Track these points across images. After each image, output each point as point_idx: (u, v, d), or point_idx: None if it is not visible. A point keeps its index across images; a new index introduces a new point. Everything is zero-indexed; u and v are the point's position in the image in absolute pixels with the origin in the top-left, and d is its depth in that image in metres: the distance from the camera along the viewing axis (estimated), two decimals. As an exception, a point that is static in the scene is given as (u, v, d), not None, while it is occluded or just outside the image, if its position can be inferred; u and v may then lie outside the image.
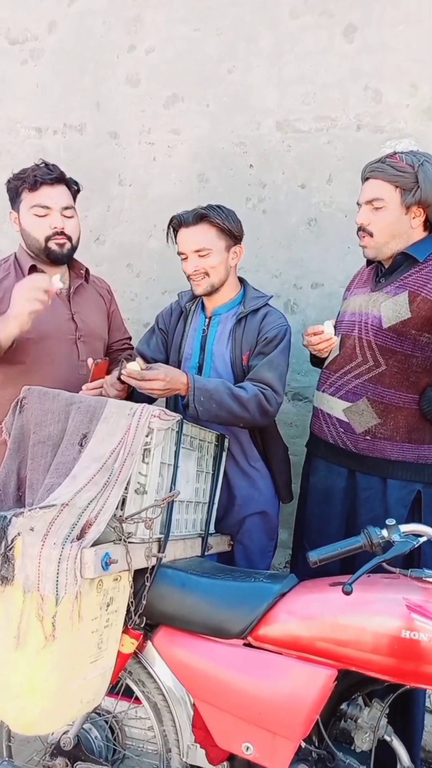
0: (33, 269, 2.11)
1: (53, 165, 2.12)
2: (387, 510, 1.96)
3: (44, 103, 2.93)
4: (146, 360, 2.14)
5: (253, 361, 2.06)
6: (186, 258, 2.08)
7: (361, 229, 2.00)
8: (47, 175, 2.06)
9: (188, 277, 2.12)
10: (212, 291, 2.12)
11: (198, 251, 2.05)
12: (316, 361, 2.22)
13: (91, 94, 2.85)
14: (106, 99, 2.83)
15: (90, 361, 2.05)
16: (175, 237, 2.10)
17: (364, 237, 2.00)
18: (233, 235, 2.08)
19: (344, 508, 2.06)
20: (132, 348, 2.43)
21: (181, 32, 2.68)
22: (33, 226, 2.07)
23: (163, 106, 2.74)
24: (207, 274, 2.08)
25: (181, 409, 2.01)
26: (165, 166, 2.76)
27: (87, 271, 2.26)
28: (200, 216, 2.03)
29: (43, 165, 2.10)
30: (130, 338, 2.45)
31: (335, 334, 2.07)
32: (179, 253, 2.10)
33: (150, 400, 2.04)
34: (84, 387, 2.01)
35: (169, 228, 2.11)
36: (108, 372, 2.05)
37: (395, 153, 1.97)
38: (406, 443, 1.98)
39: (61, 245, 2.08)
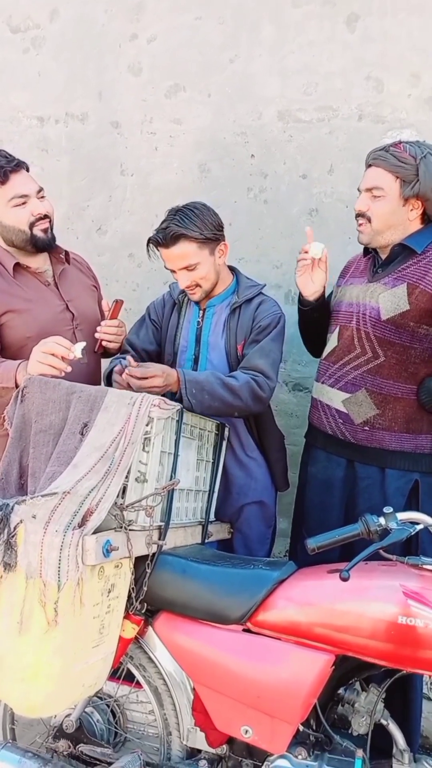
0: (17, 267, 2.08)
1: (4, 152, 2.06)
2: (385, 499, 1.98)
3: (46, 92, 2.92)
4: (137, 352, 2.19)
5: (247, 349, 2.08)
6: (175, 273, 2.07)
7: (359, 215, 2.00)
8: (8, 162, 2.02)
9: (182, 289, 2.12)
10: (209, 294, 2.13)
11: (185, 268, 2.03)
12: (313, 349, 2.23)
13: (93, 83, 2.85)
14: (108, 88, 2.83)
15: (105, 302, 2.18)
16: (158, 252, 2.07)
17: (362, 223, 2.00)
18: (214, 238, 2.03)
19: (343, 498, 2.08)
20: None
21: (183, 21, 2.67)
22: (15, 219, 2.03)
23: (164, 95, 2.74)
24: (199, 285, 2.08)
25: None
26: (167, 155, 2.76)
27: (66, 253, 2.23)
28: (176, 236, 1.98)
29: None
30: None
31: (333, 326, 2.08)
32: (167, 269, 2.09)
33: None
34: (103, 323, 2.13)
35: (148, 245, 2.06)
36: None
37: (400, 142, 1.96)
38: (404, 433, 1.99)
39: (45, 230, 2.07)
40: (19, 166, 2.05)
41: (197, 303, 2.20)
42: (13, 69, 2.96)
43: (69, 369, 1.80)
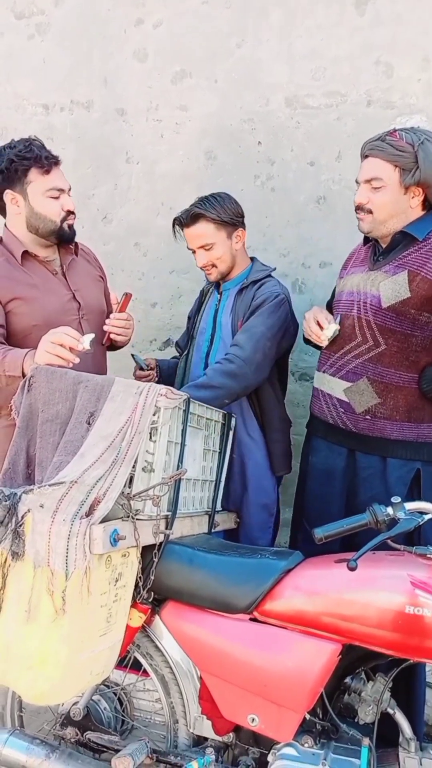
0: (26, 255, 2.09)
1: (43, 143, 2.10)
2: (387, 489, 1.98)
3: (51, 79, 2.90)
4: (182, 350, 2.39)
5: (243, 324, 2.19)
6: (195, 252, 2.25)
7: (359, 208, 1.98)
8: (52, 156, 2.07)
9: (201, 268, 2.30)
10: (225, 276, 2.29)
11: (202, 247, 2.21)
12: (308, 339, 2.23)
13: (98, 69, 2.82)
14: (114, 75, 2.80)
15: (114, 295, 2.22)
16: (182, 233, 2.26)
17: (361, 215, 1.98)
18: (231, 222, 2.21)
19: (344, 488, 2.08)
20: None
21: (189, 6, 2.64)
22: (48, 209, 2.06)
23: (170, 81, 2.71)
24: (215, 265, 2.25)
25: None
26: (173, 143, 2.73)
27: (76, 243, 2.24)
28: (195, 216, 2.18)
29: (39, 144, 2.07)
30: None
31: (334, 321, 2.07)
32: (188, 248, 2.27)
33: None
34: (112, 316, 2.17)
35: (174, 226, 2.26)
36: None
37: (395, 130, 1.93)
38: (406, 422, 1.98)
39: (71, 226, 2.12)
40: (59, 161, 2.10)
41: (216, 288, 2.35)
42: (17, 56, 2.94)
43: (77, 360, 1.79)
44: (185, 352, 2.37)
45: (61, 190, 2.08)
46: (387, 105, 2.43)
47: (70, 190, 2.13)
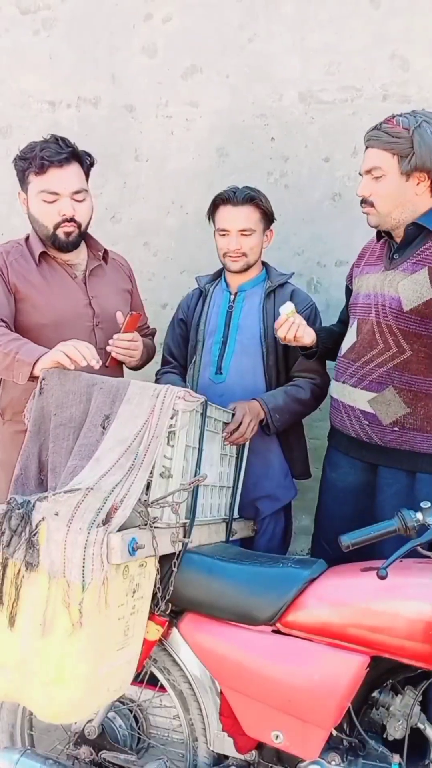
0: (43, 256, 2.04)
1: (63, 139, 1.99)
2: (416, 506, 1.89)
3: (57, 75, 2.84)
4: (175, 358, 2.30)
5: (295, 347, 2.11)
6: (227, 234, 2.15)
7: (363, 201, 1.92)
8: (56, 155, 1.93)
9: (224, 254, 2.18)
10: (245, 269, 2.20)
11: (243, 230, 2.13)
12: (306, 352, 2.11)
13: (105, 65, 2.76)
14: (122, 70, 2.74)
15: (119, 314, 2.04)
16: (214, 212, 2.18)
17: (367, 209, 1.92)
18: (270, 219, 2.20)
19: (362, 507, 1.98)
20: (153, 335, 2.37)
21: (199, -1, 2.59)
22: (41, 213, 1.97)
23: (180, 77, 2.65)
24: (245, 254, 2.16)
25: (201, 392, 1.98)
26: (183, 140, 2.68)
27: (105, 251, 2.18)
28: (250, 197, 2.12)
29: (52, 141, 1.97)
30: (148, 325, 2.38)
31: (351, 319, 1.99)
32: (220, 230, 2.17)
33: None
34: (115, 336, 2.00)
35: (212, 204, 2.18)
36: (138, 326, 2.10)
37: (393, 117, 1.86)
38: None
39: (68, 233, 1.99)
40: (70, 160, 1.97)
41: (227, 288, 2.25)
42: (23, 52, 2.88)
43: (71, 367, 1.69)
44: (193, 360, 2.23)
45: (55, 194, 1.94)
46: (403, 99, 2.37)
47: (77, 194, 1.99)
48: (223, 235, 2.15)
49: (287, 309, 1.97)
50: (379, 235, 2.03)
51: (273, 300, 2.18)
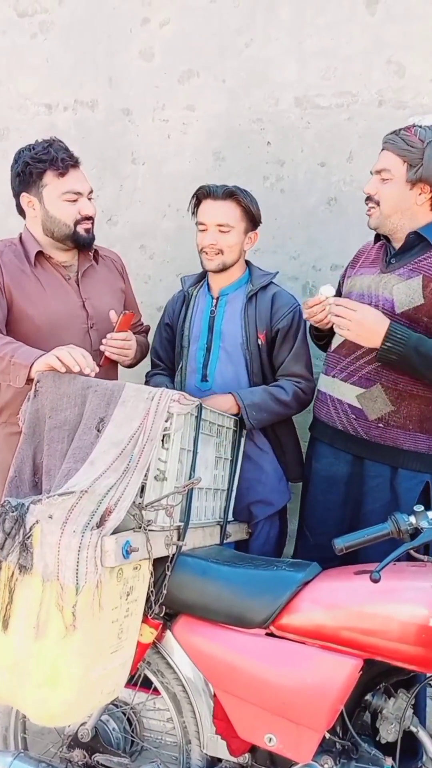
0: (39, 255, 2.04)
1: (64, 144, 2.05)
2: (395, 499, 1.94)
3: (54, 78, 2.85)
4: (162, 361, 2.27)
5: (280, 354, 2.14)
6: (205, 230, 2.10)
7: (368, 198, 1.96)
8: (72, 157, 2.01)
9: (201, 250, 2.13)
10: (222, 269, 2.14)
11: (220, 226, 2.07)
12: (318, 335, 2.16)
13: (103, 69, 2.77)
14: (119, 74, 2.75)
15: (113, 313, 2.05)
16: (197, 207, 2.13)
17: (371, 207, 1.96)
18: (254, 220, 2.13)
19: (348, 497, 2.03)
20: (147, 332, 2.38)
21: (196, 3, 2.59)
22: (64, 213, 2.00)
23: (177, 81, 2.66)
24: (221, 251, 2.10)
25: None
26: (180, 143, 2.68)
27: (96, 251, 2.18)
28: (230, 193, 2.07)
29: (58, 142, 2.02)
30: (141, 322, 2.38)
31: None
32: (199, 224, 2.12)
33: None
34: (108, 336, 2.02)
35: (193, 197, 2.14)
36: (132, 325, 2.10)
37: (413, 125, 1.91)
38: (419, 433, 1.94)
39: (88, 230, 2.05)
40: (78, 163, 2.04)
41: (209, 292, 2.21)
42: (20, 55, 2.89)
43: (62, 370, 1.69)
44: (180, 365, 2.22)
45: (79, 194, 2.01)
46: (399, 105, 2.38)
47: (91, 193, 2.06)
48: (202, 230, 2.10)
49: (328, 292, 1.93)
50: (377, 238, 2.05)
51: (254, 304, 2.13)
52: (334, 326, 1.91)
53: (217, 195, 2.07)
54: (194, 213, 2.15)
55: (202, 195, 2.11)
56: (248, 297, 2.13)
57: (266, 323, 2.11)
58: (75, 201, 2.01)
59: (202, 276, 2.26)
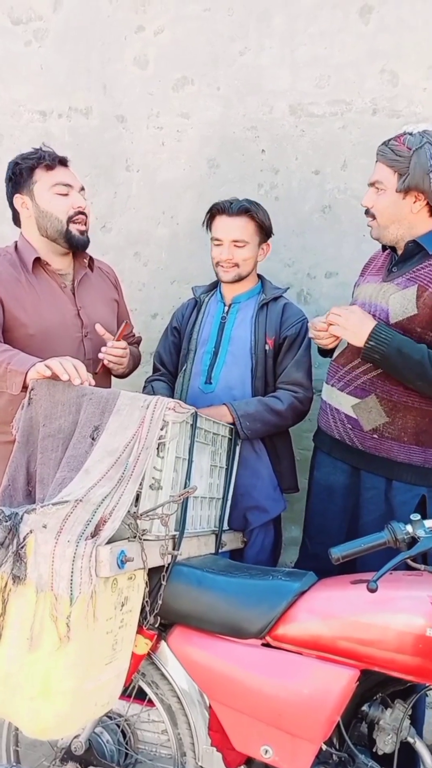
0: (37, 262, 2.04)
1: (52, 149, 2.07)
2: (390, 511, 1.93)
3: (49, 85, 2.85)
4: (164, 365, 2.30)
5: (282, 357, 2.18)
6: (220, 244, 2.17)
7: (367, 211, 1.97)
8: (57, 156, 2.04)
9: (216, 263, 2.19)
10: (237, 280, 2.20)
11: (235, 241, 2.14)
12: (325, 350, 2.16)
13: (97, 76, 2.77)
14: (113, 81, 2.75)
15: (99, 326, 2.05)
16: (211, 222, 2.19)
17: (370, 221, 1.97)
18: (266, 233, 2.20)
19: (346, 506, 2.02)
20: (138, 343, 2.37)
21: (191, 12, 2.60)
22: (55, 206, 2.00)
23: (172, 88, 2.66)
24: (237, 265, 2.17)
25: (191, 401, 2.02)
26: (174, 151, 2.69)
27: (91, 259, 2.18)
28: (245, 209, 2.14)
29: (47, 148, 2.05)
30: (134, 333, 2.38)
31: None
32: (214, 239, 2.19)
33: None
34: (110, 344, 2.04)
35: (208, 213, 2.20)
36: (124, 334, 2.13)
37: (404, 134, 1.90)
38: (414, 445, 1.92)
39: (82, 232, 2.05)
40: (66, 162, 2.07)
41: (221, 299, 2.26)
42: (14, 61, 2.88)
43: (65, 377, 1.67)
44: (184, 368, 2.25)
45: (69, 186, 2.02)
46: (392, 113, 2.39)
47: (82, 190, 2.07)
48: (217, 244, 2.17)
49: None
50: (384, 245, 2.05)
51: (266, 313, 2.19)
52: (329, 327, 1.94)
53: (232, 211, 2.13)
54: (209, 228, 2.20)
55: (216, 211, 2.17)
56: (260, 306, 2.19)
57: (276, 330, 2.17)
58: (66, 195, 2.01)
59: (214, 285, 2.32)
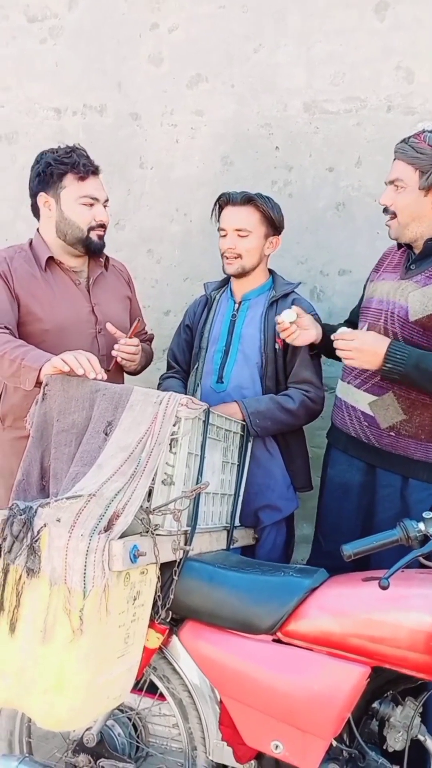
0: (50, 261, 2.06)
1: (86, 153, 2.08)
2: (406, 510, 1.92)
3: (63, 83, 2.86)
4: (178, 363, 2.29)
5: (294, 358, 2.14)
6: (225, 235, 2.15)
7: (386, 210, 1.96)
8: (92, 165, 2.05)
9: (222, 255, 2.18)
10: (242, 274, 2.18)
11: (238, 230, 2.12)
12: (328, 351, 2.15)
13: (111, 73, 2.78)
14: (128, 79, 2.76)
15: (110, 325, 2.07)
16: (219, 213, 2.18)
17: (388, 218, 1.96)
18: (274, 225, 2.16)
19: (361, 504, 2.01)
20: (151, 340, 2.38)
21: (205, 9, 2.60)
22: (78, 216, 2.03)
23: (186, 86, 2.67)
24: (240, 256, 2.14)
25: (203, 399, 1.98)
26: (188, 148, 2.69)
27: (107, 258, 2.20)
28: (248, 198, 2.12)
29: (81, 152, 2.06)
30: (146, 331, 2.40)
31: (361, 323, 1.99)
32: (220, 229, 2.17)
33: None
34: (122, 341, 2.05)
35: (216, 204, 2.19)
36: (137, 332, 2.14)
37: (423, 132, 1.90)
38: (431, 443, 1.91)
39: (101, 237, 2.08)
40: (98, 171, 2.09)
41: (232, 297, 2.24)
42: (29, 59, 2.90)
43: (65, 369, 1.69)
44: (196, 366, 2.25)
45: (95, 199, 2.04)
46: (407, 110, 2.38)
47: (107, 201, 2.09)
48: (223, 235, 2.16)
49: (289, 317, 1.97)
50: (400, 243, 2.04)
51: (275, 310, 2.15)
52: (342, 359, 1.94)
53: (236, 201, 2.12)
54: (217, 220, 2.19)
55: (223, 202, 2.16)
56: (270, 303, 2.16)
57: None
58: (91, 206, 2.03)
59: (225, 282, 2.30)
